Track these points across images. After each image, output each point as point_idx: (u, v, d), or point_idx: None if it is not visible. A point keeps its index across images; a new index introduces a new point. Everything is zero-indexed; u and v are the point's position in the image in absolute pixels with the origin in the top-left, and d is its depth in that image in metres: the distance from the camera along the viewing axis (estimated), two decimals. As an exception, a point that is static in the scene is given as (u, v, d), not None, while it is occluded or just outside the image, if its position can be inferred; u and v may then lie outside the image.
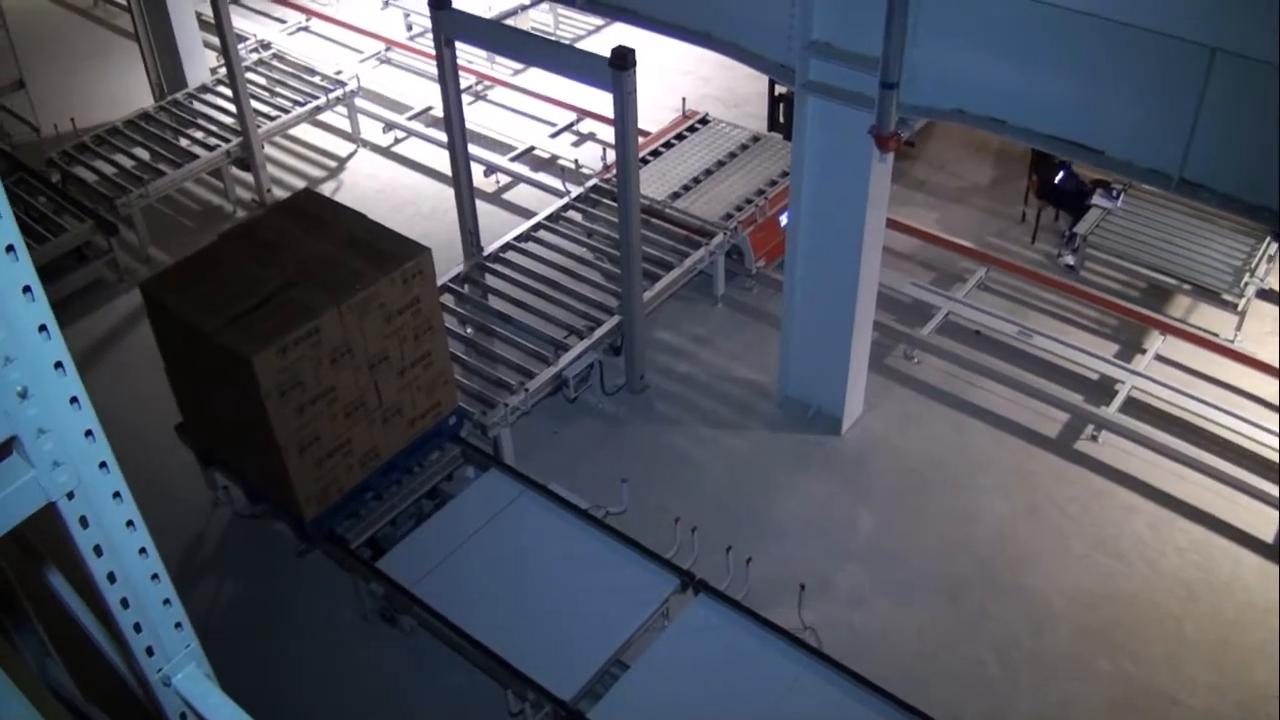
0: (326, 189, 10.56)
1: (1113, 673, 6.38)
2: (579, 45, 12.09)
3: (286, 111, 10.61)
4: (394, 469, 6.57)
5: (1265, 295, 8.89)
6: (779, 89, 10.30)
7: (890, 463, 7.68)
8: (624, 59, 6.59)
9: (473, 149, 8.63)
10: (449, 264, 8.46)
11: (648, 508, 7.02)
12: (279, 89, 11.01)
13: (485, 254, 8.70)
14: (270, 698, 6.29)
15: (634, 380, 8.21)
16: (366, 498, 6.50)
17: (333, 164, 10.96)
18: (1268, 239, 8.83)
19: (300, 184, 10.65)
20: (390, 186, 10.58)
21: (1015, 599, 6.78)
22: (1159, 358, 8.35)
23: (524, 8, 12.45)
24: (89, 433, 1.83)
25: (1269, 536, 7.10)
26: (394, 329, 6.12)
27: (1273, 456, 7.44)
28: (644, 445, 7.86)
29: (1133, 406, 7.86)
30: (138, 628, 2.00)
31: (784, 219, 8.73)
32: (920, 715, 5.39)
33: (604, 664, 5.75)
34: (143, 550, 1.97)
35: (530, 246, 8.92)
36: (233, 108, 10.18)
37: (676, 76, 11.78)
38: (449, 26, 7.44)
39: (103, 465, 1.86)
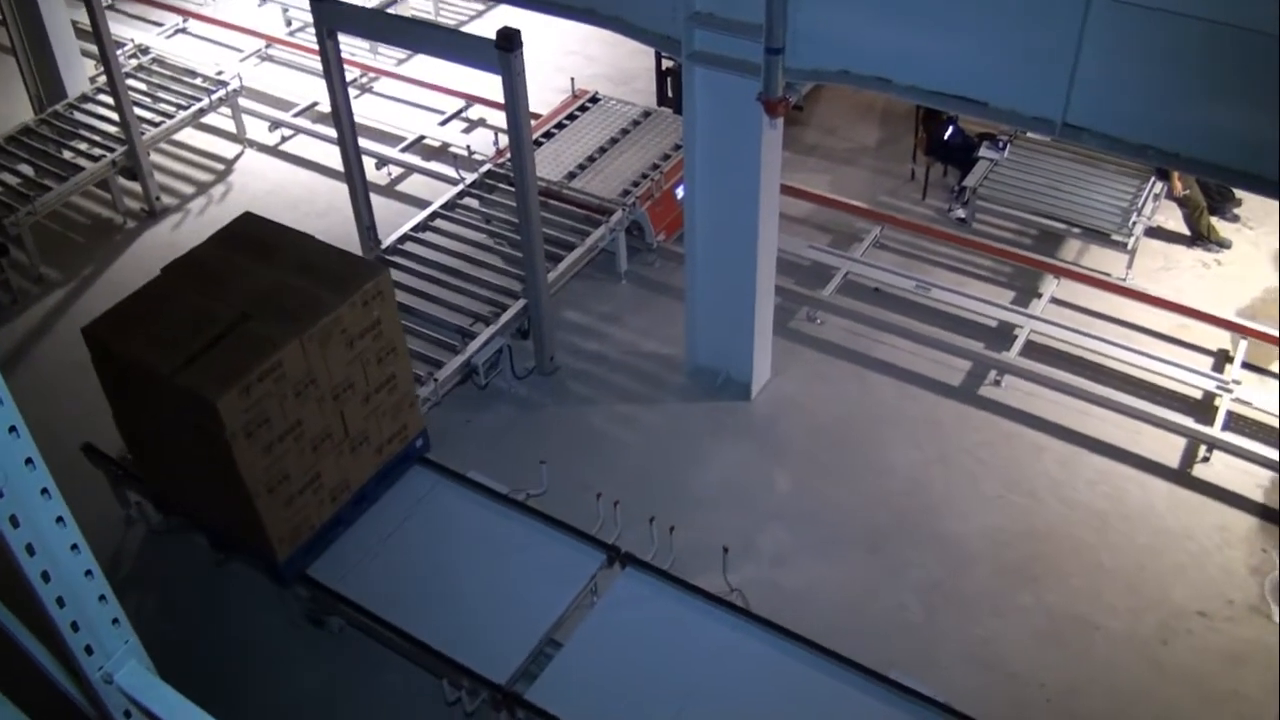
0: (216, 192, 10.38)
1: (1034, 605, 6.57)
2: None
3: (170, 116, 10.40)
4: (364, 499, 6.36)
5: (1153, 233, 9.17)
6: (666, 63, 10.34)
7: (802, 423, 7.80)
8: (510, 40, 6.57)
9: (363, 142, 8.53)
10: (348, 260, 8.37)
11: (568, 487, 7.03)
12: (161, 94, 10.78)
13: (384, 247, 8.64)
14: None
15: (544, 362, 8.22)
16: (339, 532, 6.28)
17: (220, 167, 10.76)
18: (1152, 178, 9.10)
19: (189, 190, 10.46)
20: (281, 186, 10.43)
21: (933, 544, 6.94)
22: (1055, 300, 8.56)
23: (404, -4, 12.36)
24: (13, 429, 1.80)
25: (1174, 462, 7.37)
26: (356, 354, 5.90)
27: (1171, 385, 7.74)
28: (559, 426, 7.88)
29: (1032, 349, 8.07)
30: (75, 626, 1.97)
31: (680, 191, 8.78)
32: (850, 664, 5.50)
33: (537, 644, 5.76)
34: (74, 547, 1.94)
35: (429, 236, 8.88)
36: (115, 116, 9.94)
37: (563, 57, 11.76)
38: (330, 18, 7.35)
39: (29, 462, 1.83)
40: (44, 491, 1.86)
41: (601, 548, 6.17)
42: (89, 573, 1.96)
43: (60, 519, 1.90)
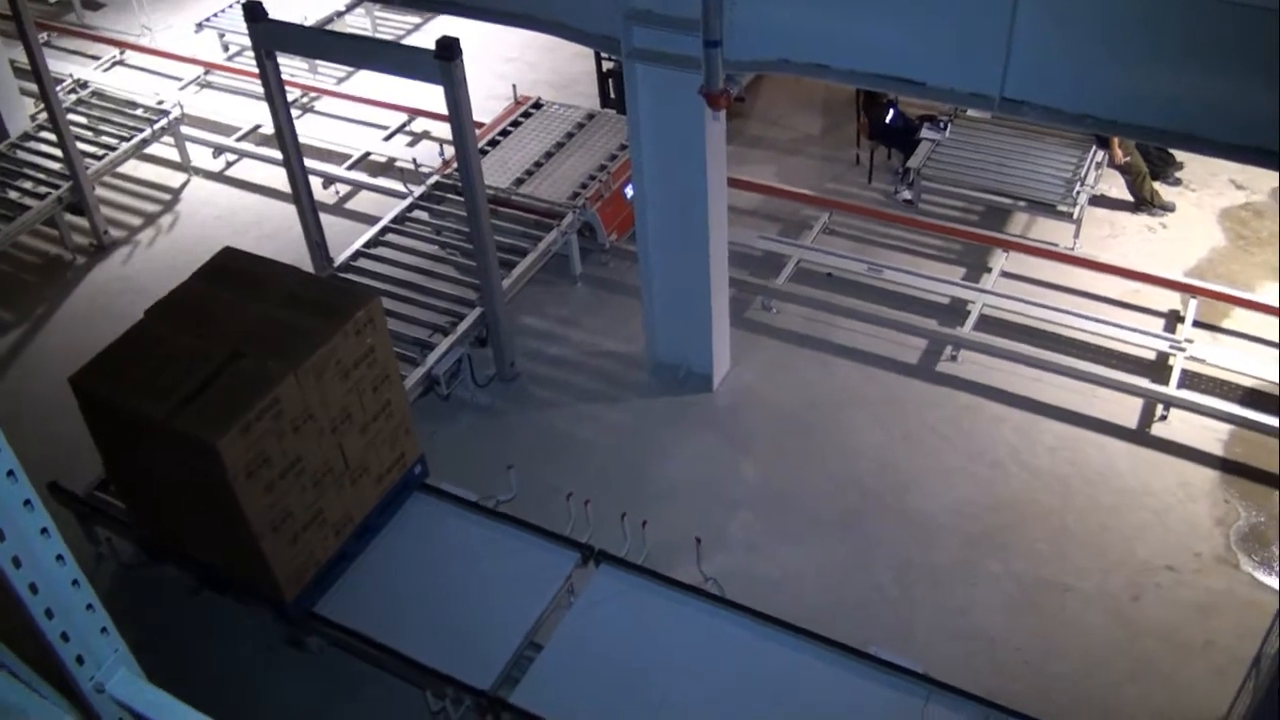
0: (164, 223, 10.33)
1: (1004, 573, 6.67)
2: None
3: (113, 149, 10.35)
4: (368, 532, 6.25)
5: (1098, 201, 9.32)
6: (607, 64, 10.40)
7: (765, 411, 7.87)
8: (449, 49, 6.59)
9: (308, 162, 8.50)
10: (302, 280, 8.37)
11: (538, 490, 7.04)
12: (102, 127, 10.74)
13: (336, 265, 8.62)
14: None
15: (505, 369, 8.24)
16: (344, 566, 6.16)
17: (167, 197, 10.71)
18: (1093, 148, 9.24)
19: (137, 222, 10.40)
20: (229, 211, 10.40)
21: (903, 521, 7.02)
22: (1005, 274, 8.68)
23: (340, 14, 12.32)
24: (-9, 441, 1.82)
25: (1132, 423, 7.50)
26: (352, 384, 5.77)
27: (1125, 349, 7.91)
28: (525, 431, 7.91)
29: (986, 323, 8.17)
30: (65, 637, 1.98)
31: (629, 190, 8.83)
32: (830, 643, 5.55)
33: (518, 648, 5.77)
34: (59, 558, 1.96)
35: (381, 251, 8.88)
36: (58, 152, 9.86)
37: (502, 65, 11.80)
38: (268, 39, 7.33)
39: (10, 474, 1.85)
40: (27, 503, 1.88)
41: (575, 547, 6.19)
42: (75, 583, 1.97)
43: (45, 530, 1.92)
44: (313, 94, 11.68)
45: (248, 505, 5.33)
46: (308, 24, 11.52)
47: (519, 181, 9.31)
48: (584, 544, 6.21)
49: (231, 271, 6.14)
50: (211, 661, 6.66)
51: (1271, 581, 6.50)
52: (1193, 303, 8.09)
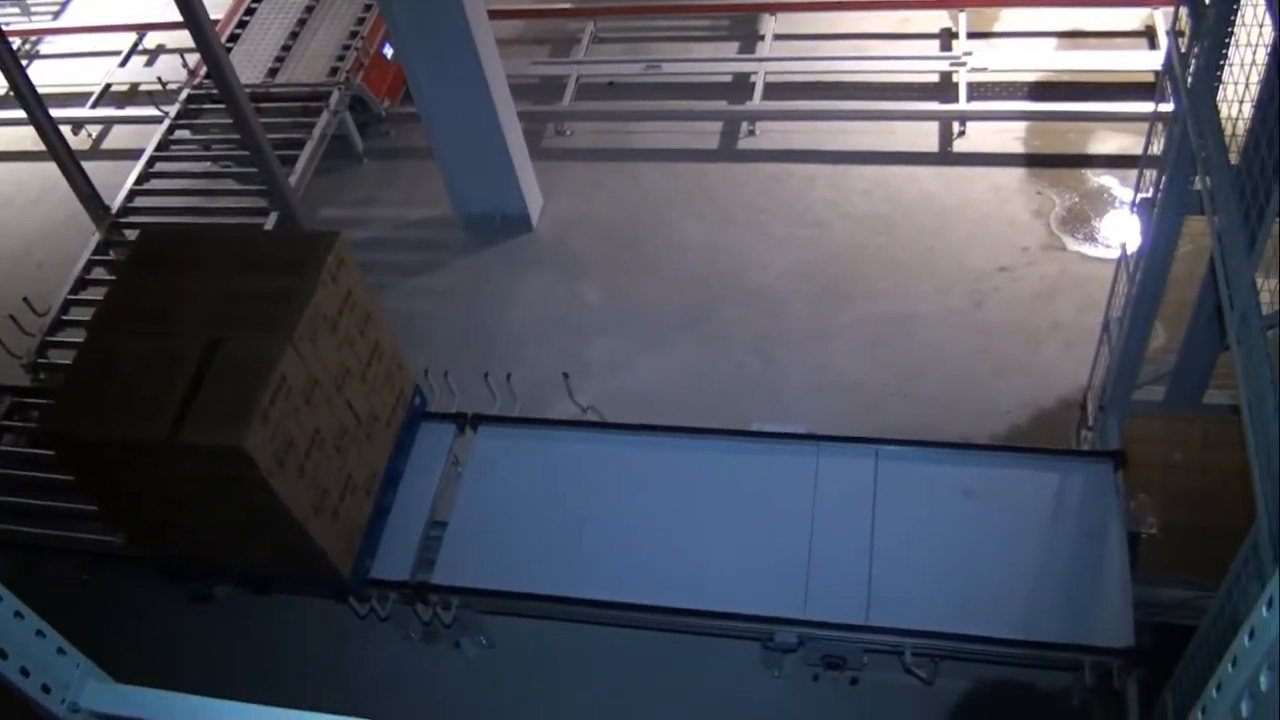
0: (-82, 221, 9.65)
1: (853, 318, 6.93)
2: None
3: None
4: (393, 480, 5.91)
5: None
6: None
7: (588, 233, 7.88)
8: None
9: (52, 112, 7.96)
10: (84, 238, 7.98)
11: (392, 375, 6.97)
12: None
13: (115, 211, 8.20)
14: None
15: (320, 266, 8.02)
16: (382, 525, 5.82)
17: (-86, 194, 9.98)
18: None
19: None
20: (-15, 189, 9.76)
21: (746, 300, 7.19)
22: (778, 37, 8.73)
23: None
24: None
25: (934, 147, 7.76)
26: (342, 336, 5.24)
27: (909, 78, 8.14)
28: (359, 320, 7.77)
29: (773, 90, 8.25)
30: (25, 672, 1.90)
31: (388, 50, 8.57)
32: (715, 432, 5.70)
33: (423, 533, 5.76)
34: (-2, 596, 1.88)
35: (156, 184, 8.46)
36: None
37: (217, -43, 11.16)
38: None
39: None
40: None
41: (447, 419, 6.16)
42: (19, 614, 1.88)
43: (-27, 575, 1.83)
44: (33, 38, 10.90)
45: (286, 496, 4.88)
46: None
47: (273, 71, 8.89)
48: (455, 414, 6.18)
49: (162, 254, 5.43)
50: (139, 640, 6.45)
51: (1098, 252, 6.90)
52: (962, 16, 8.27)
